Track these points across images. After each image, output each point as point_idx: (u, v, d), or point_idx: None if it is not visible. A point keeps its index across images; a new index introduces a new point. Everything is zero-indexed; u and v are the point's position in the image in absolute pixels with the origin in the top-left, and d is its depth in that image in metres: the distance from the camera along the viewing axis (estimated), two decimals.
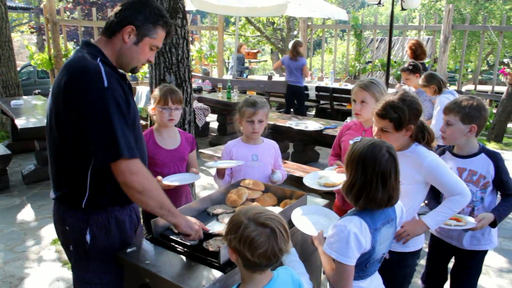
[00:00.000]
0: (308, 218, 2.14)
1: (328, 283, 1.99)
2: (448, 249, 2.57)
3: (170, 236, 2.01)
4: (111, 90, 1.72)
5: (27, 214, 4.82)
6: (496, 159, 2.43)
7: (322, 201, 2.55)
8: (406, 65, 5.20)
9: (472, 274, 2.60)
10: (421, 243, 2.28)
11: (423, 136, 2.17)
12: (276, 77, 11.42)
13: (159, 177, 2.61)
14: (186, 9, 4.05)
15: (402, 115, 2.09)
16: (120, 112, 1.73)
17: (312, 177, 2.61)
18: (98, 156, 1.71)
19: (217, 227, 2.14)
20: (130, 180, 1.73)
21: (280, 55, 20.26)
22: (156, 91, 2.76)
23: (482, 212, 2.39)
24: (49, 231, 4.31)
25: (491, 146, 7.82)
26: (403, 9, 6.66)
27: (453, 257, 2.66)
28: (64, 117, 1.76)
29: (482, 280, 3.48)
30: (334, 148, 3.03)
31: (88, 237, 1.89)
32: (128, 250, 1.94)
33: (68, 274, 3.55)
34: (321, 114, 9.67)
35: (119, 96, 1.75)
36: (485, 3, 22.22)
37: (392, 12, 6.17)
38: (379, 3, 6.87)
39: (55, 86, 1.79)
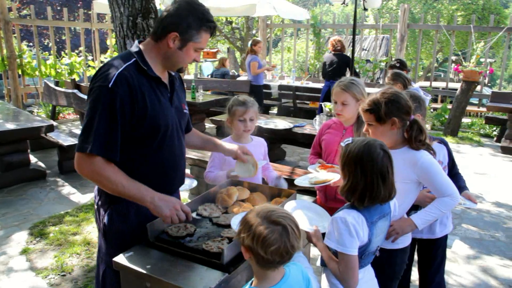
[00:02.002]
0: (300, 214, 2.19)
1: (323, 275, 2.05)
2: (412, 246, 2.60)
3: (166, 239, 2.00)
4: (113, 90, 1.83)
5: None
6: (446, 143, 2.69)
7: (309, 199, 2.60)
8: (393, 62, 5.39)
9: (439, 261, 2.76)
10: (409, 240, 2.36)
11: (415, 134, 2.22)
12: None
13: None
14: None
15: (381, 108, 2.16)
16: (110, 113, 1.83)
17: (303, 178, 2.66)
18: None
19: (213, 229, 2.15)
20: (80, 171, 1.89)
21: (238, 54, 20.29)
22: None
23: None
24: (18, 240, 4.16)
25: (447, 140, 8.18)
26: (365, 9, 6.86)
27: (416, 254, 2.83)
28: None
29: (451, 267, 3.68)
30: (314, 146, 3.09)
31: (106, 218, 2.05)
32: (126, 254, 1.91)
33: (42, 283, 3.44)
34: (284, 112, 9.80)
35: (120, 98, 1.84)
36: (433, 3, 23.15)
37: (356, 11, 6.33)
38: (344, 2, 7.03)
39: None
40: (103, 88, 1.84)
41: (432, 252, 2.74)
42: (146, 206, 1.92)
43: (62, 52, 10.18)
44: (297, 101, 9.11)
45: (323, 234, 1.98)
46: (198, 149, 2.66)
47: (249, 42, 8.64)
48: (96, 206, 2.16)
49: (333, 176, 2.42)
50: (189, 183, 2.77)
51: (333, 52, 7.87)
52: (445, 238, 2.74)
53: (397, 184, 1.90)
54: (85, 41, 10.36)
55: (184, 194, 4.74)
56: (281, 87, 9.10)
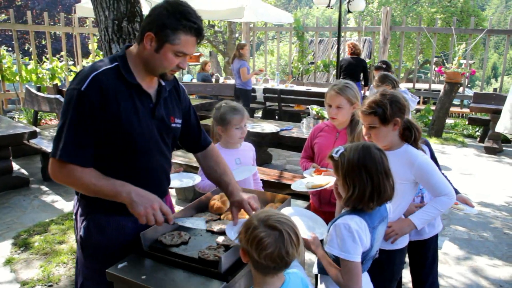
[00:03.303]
0: (297, 220, 2.15)
1: (321, 284, 2.02)
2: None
3: (161, 248, 1.95)
4: (84, 94, 1.75)
5: None
6: (428, 143, 2.69)
7: (303, 203, 2.58)
8: (378, 63, 5.42)
9: (431, 262, 2.76)
10: (406, 240, 2.36)
11: (410, 134, 2.25)
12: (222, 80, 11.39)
13: None
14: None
15: (385, 108, 2.18)
16: (81, 117, 1.76)
17: (299, 183, 2.64)
18: None
19: (207, 237, 2.11)
20: (53, 177, 1.83)
21: (221, 57, 20.24)
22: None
23: (428, 198, 2.54)
24: (1, 250, 4.04)
25: (432, 141, 8.28)
26: (349, 11, 6.89)
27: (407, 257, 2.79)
28: None
29: (442, 269, 3.69)
30: (306, 150, 3.06)
31: (83, 230, 1.96)
32: (120, 265, 1.85)
33: None
34: (268, 115, 9.79)
35: (91, 103, 1.76)
36: (413, 5, 23.48)
37: (340, 14, 6.35)
38: (329, 5, 7.05)
39: None
40: (75, 91, 1.76)
41: (423, 253, 2.74)
42: (123, 201, 1.79)
43: (43, 57, 9.98)
44: (282, 104, 9.10)
45: (321, 241, 1.95)
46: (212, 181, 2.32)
47: (236, 46, 8.62)
48: (74, 216, 2.07)
49: (328, 180, 2.40)
50: (190, 177, 2.68)
51: (350, 56, 8.03)
52: (435, 238, 2.74)
53: (395, 185, 1.89)
54: (66, 46, 10.19)
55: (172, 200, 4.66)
56: (266, 91, 9.08)
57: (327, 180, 2.42)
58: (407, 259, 2.86)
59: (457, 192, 2.67)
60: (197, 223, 2.08)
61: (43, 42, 17.83)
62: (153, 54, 1.84)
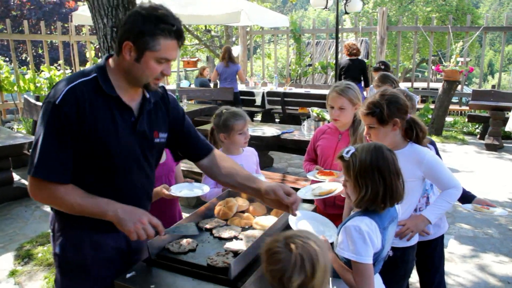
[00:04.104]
0: (306, 224, 2.14)
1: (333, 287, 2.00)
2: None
3: (169, 256, 1.93)
4: (59, 107, 1.66)
5: None
6: (434, 143, 2.68)
7: (310, 206, 2.56)
8: (377, 64, 5.39)
9: (438, 262, 2.75)
10: (417, 237, 2.37)
11: (415, 133, 2.25)
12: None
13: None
14: None
15: (383, 109, 2.19)
16: (56, 132, 1.67)
17: (305, 190, 2.61)
18: None
19: (215, 243, 2.09)
20: (33, 195, 1.74)
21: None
22: None
23: (434, 199, 2.51)
24: (4, 262, 4.01)
25: (433, 139, 8.27)
26: (346, 12, 6.89)
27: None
28: None
29: (449, 267, 3.67)
30: (309, 153, 3.05)
31: (58, 248, 1.87)
32: (128, 275, 1.83)
33: None
34: (268, 119, 9.77)
35: (65, 116, 1.66)
36: (408, 5, 23.54)
37: (337, 15, 6.36)
38: (326, 7, 7.05)
39: None
40: (49, 104, 1.67)
41: (429, 254, 2.72)
42: (110, 220, 1.72)
43: (41, 66, 9.97)
44: (287, 107, 9.06)
45: (331, 244, 1.93)
46: (230, 187, 2.26)
47: (225, 50, 8.85)
48: (51, 232, 1.94)
49: (336, 186, 2.38)
50: (199, 187, 2.66)
51: (348, 57, 7.90)
52: (441, 238, 2.73)
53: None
54: (63, 54, 10.19)
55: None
56: (269, 94, 9.06)
57: (335, 186, 2.40)
58: None
59: (473, 196, 2.62)
60: (191, 230, 2.01)
61: (40, 52, 17.85)
62: (133, 64, 1.73)
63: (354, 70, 7.72)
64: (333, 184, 2.45)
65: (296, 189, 2.48)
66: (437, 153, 2.70)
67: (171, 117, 2.03)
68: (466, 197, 2.55)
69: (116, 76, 1.79)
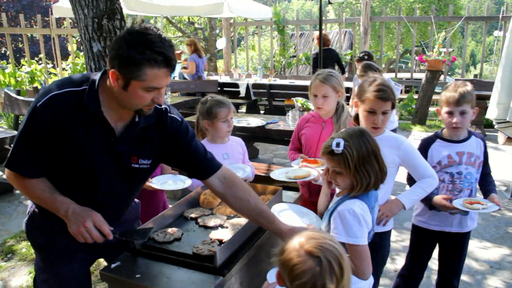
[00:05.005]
0: (289, 215, 2.15)
1: None
2: (433, 238, 2.60)
3: (154, 245, 1.92)
4: (37, 111, 1.67)
5: None
6: (483, 138, 2.55)
7: (294, 194, 2.57)
8: (360, 54, 5.41)
9: (461, 254, 2.65)
10: (392, 221, 2.41)
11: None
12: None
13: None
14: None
15: (393, 93, 2.29)
16: (30, 133, 1.71)
17: (279, 172, 2.63)
18: None
19: (200, 232, 2.09)
20: (11, 182, 1.85)
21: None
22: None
23: (477, 193, 2.51)
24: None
25: (416, 129, 8.36)
26: (329, 3, 6.89)
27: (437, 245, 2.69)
28: None
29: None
30: (293, 142, 3.05)
31: (24, 225, 2.03)
32: (113, 265, 1.82)
33: None
34: (253, 111, 9.75)
35: (42, 121, 1.67)
36: None
37: (321, 5, 6.35)
38: None
39: None
40: (34, 104, 1.69)
41: (462, 245, 2.62)
42: (62, 218, 1.75)
43: (22, 60, 9.79)
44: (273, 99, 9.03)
45: None
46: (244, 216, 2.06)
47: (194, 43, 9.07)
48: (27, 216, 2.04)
49: (309, 171, 2.45)
50: (182, 180, 2.65)
51: (319, 47, 7.85)
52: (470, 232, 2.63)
53: None
54: (44, 48, 10.01)
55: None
56: (255, 86, 9.02)
57: (308, 171, 2.44)
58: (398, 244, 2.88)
59: (493, 191, 2.48)
60: (139, 237, 1.86)
61: (20, 46, 17.52)
62: (121, 92, 1.65)
63: (326, 60, 7.71)
64: (305, 169, 2.48)
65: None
66: (485, 151, 2.54)
67: (167, 144, 1.91)
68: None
69: (106, 94, 1.73)
